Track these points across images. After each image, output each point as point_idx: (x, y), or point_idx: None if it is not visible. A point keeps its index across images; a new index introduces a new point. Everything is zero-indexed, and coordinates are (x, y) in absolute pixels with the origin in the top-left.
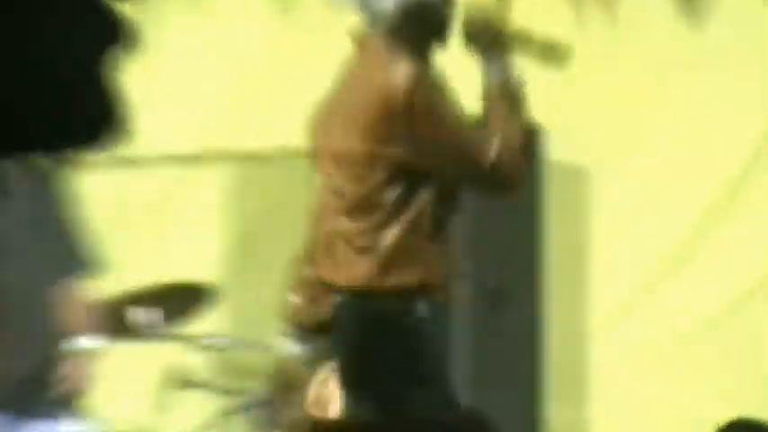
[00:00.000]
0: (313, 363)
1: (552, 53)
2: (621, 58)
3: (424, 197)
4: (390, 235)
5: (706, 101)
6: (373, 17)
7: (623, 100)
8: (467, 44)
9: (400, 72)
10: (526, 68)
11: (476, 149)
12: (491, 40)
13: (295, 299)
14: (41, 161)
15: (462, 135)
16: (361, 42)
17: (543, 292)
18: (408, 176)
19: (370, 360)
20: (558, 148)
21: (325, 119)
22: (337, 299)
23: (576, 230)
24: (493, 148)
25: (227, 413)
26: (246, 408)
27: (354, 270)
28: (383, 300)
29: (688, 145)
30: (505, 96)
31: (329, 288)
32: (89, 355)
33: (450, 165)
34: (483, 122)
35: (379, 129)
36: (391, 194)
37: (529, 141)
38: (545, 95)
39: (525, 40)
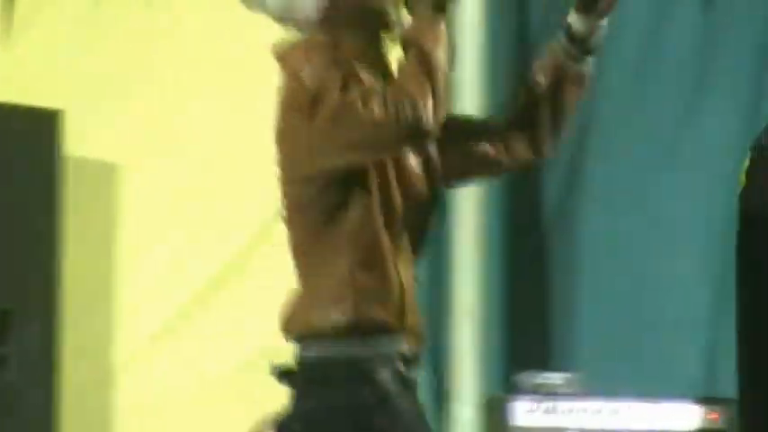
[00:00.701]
0: None
1: None
2: (159, 41)
3: (362, 209)
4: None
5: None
6: (294, 22)
7: (163, 86)
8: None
9: (299, 72)
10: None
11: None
12: None
13: None
14: None
15: (370, 106)
16: (278, 57)
17: (61, 316)
18: (333, 187)
19: None
20: (81, 142)
21: None
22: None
23: (103, 242)
24: (380, 103)
25: None
26: None
27: (292, 314)
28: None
29: (239, 143)
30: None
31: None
32: None
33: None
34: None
35: (286, 144)
36: (318, 211)
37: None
38: (64, 79)
39: None
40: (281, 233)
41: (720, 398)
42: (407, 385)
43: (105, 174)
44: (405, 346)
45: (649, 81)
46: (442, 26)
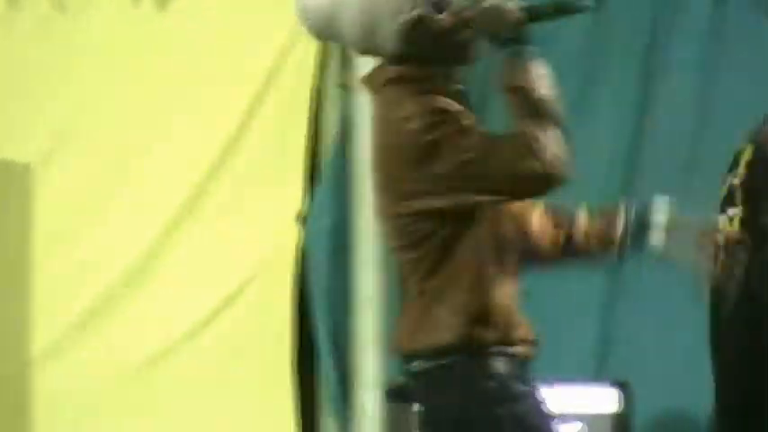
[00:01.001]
0: None
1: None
2: (71, 43)
3: (474, 239)
4: (439, 286)
5: (175, 91)
6: (375, 53)
7: (75, 88)
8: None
9: (405, 113)
10: None
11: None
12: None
13: None
14: None
15: (498, 156)
16: (371, 87)
17: None
18: (449, 221)
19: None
20: None
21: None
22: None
23: (19, 239)
24: (538, 152)
25: None
26: None
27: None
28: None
29: (149, 141)
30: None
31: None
32: None
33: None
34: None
35: (401, 183)
36: (434, 243)
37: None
38: None
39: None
40: (190, 228)
41: (617, 381)
42: (526, 380)
43: (20, 174)
44: (516, 349)
45: None
46: (541, 65)
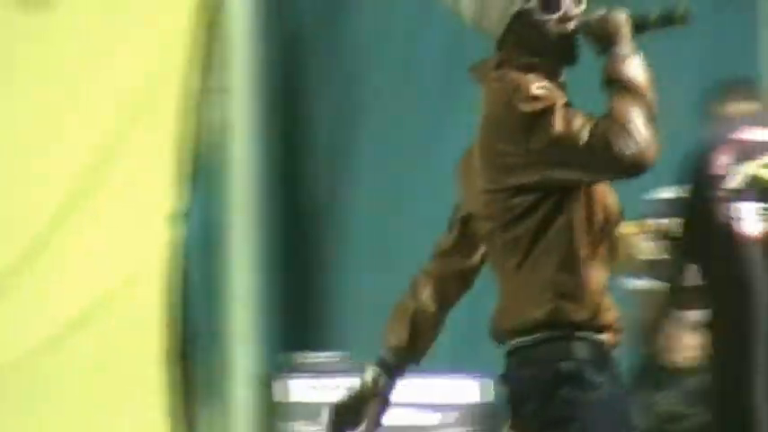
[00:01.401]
0: None
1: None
2: None
3: (568, 220)
4: (529, 268)
5: (50, 93)
6: (485, 33)
7: None
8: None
9: (505, 89)
10: None
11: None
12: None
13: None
14: None
15: (593, 132)
16: (479, 75)
17: None
18: (544, 200)
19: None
20: None
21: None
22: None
23: None
24: (591, 131)
25: None
26: None
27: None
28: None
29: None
30: (621, 79)
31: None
32: None
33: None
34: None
35: (499, 158)
36: (529, 222)
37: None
38: None
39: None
40: (66, 228)
41: (479, 372)
42: (604, 369)
43: None
44: (601, 337)
45: (412, 83)
46: (640, 59)
